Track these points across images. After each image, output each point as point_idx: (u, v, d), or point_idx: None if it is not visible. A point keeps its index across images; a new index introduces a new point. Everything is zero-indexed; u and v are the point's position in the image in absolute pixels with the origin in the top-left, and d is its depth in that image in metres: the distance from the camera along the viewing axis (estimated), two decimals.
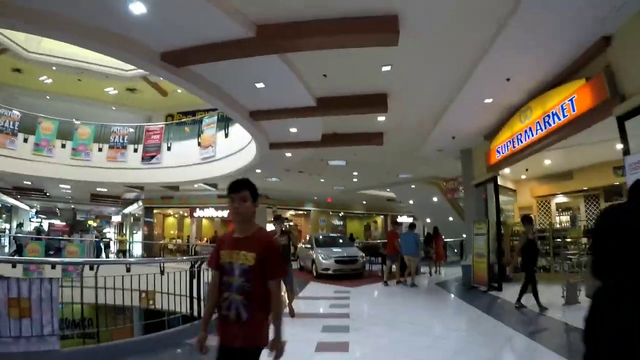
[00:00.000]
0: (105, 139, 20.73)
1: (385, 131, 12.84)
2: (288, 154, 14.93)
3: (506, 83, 9.17)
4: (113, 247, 25.61)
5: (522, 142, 10.38)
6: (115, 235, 37.84)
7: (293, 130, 12.09)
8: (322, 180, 22.01)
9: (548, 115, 9.03)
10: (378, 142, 13.14)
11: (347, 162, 16.93)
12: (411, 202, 29.34)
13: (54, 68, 22.31)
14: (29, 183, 23.40)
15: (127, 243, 22.43)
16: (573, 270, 12.52)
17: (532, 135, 9.81)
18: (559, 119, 8.63)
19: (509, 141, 11.03)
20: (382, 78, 9.18)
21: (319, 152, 15.04)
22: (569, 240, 13.84)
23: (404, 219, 39.89)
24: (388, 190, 27.74)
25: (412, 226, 15.39)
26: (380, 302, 11.52)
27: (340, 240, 19.30)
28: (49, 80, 23.96)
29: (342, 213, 36.23)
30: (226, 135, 18.53)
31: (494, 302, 10.57)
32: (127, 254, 21.23)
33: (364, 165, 18.21)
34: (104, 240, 24.62)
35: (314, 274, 16.50)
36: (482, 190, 13.98)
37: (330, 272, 15.85)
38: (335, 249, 17.14)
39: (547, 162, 14.85)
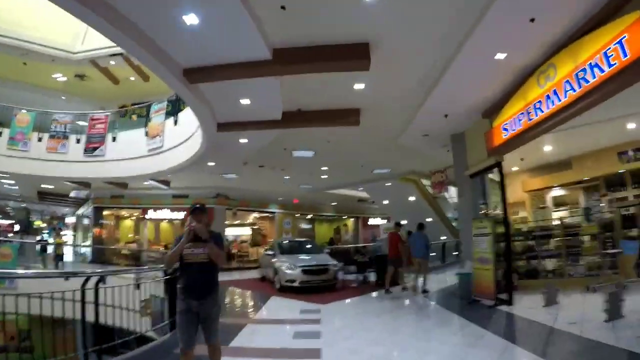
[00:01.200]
0: (45, 128, 18.63)
1: (362, 107, 10.26)
2: (243, 140, 12.12)
3: (529, 26, 6.69)
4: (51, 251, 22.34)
5: (542, 111, 7.90)
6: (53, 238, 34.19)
7: (245, 102, 9.30)
8: (286, 177, 19.30)
9: (583, 70, 6.63)
10: (353, 121, 10.46)
11: (315, 152, 14.32)
12: (386, 202, 26.91)
13: None
14: None
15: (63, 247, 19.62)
16: (591, 274, 10.36)
17: (559, 100, 7.33)
18: (602, 70, 6.27)
19: (523, 113, 8.55)
20: (364, 18, 6.61)
21: (281, 139, 12.41)
22: (582, 237, 11.35)
23: (376, 221, 37.95)
24: (360, 189, 25.19)
25: (421, 226, 13.48)
26: (361, 326, 8.56)
27: (308, 246, 16.55)
28: None
29: (310, 215, 33.40)
30: (175, 123, 15.83)
31: (515, 323, 8.06)
32: (62, 259, 18.54)
33: (335, 158, 15.70)
34: (40, 243, 21.98)
35: (277, 286, 13.83)
36: (478, 182, 11.54)
37: (296, 284, 13.19)
38: (302, 257, 14.50)
39: (547, 148, 12.55)
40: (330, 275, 13.76)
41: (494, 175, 11.21)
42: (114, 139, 18.40)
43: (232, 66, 7.51)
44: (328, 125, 10.88)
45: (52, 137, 18.40)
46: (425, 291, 12.45)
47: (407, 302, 11.66)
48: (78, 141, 18.46)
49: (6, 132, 18.00)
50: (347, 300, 11.85)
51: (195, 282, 4.62)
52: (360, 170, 17.95)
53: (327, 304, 11.09)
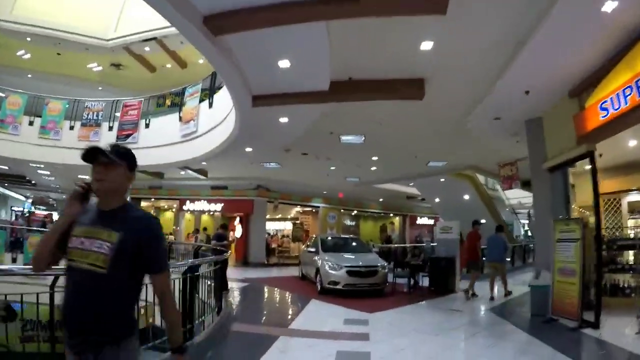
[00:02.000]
0: (78, 116, 18.07)
1: (427, 76, 8.48)
2: (283, 119, 10.53)
3: None
4: None
5: None
6: None
7: (284, 64, 7.61)
8: (332, 167, 17.76)
9: None
10: (416, 93, 8.66)
11: (365, 138, 12.62)
12: (437, 200, 25.09)
13: (28, 39, 21.41)
14: (6, 167, 21.40)
15: None
16: None
17: None
18: None
19: (631, 87, 6.72)
20: None
21: (327, 121, 10.85)
22: None
23: (424, 221, 36.07)
24: (411, 184, 23.40)
25: (499, 228, 12.88)
26: (421, 347, 6.99)
27: (354, 244, 14.90)
28: (28, 56, 23.26)
29: (355, 212, 31.82)
30: (210, 105, 14.51)
31: (613, 356, 6.32)
32: None
33: (387, 146, 14.01)
34: None
35: (318, 287, 12.38)
36: (559, 176, 9.70)
37: (339, 287, 11.70)
38: (347, 256, 12.98)
39: (632, 143, 10.56)
40: (380, 278, 12.17)
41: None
42: (147, 126, 17.45)
43: (264, 9, 5.88)
44: (385, 98, 9.13)
45: (84, 125, 17.80)
46: (508, 293, 11.87)
47: (469, 314, 10.00)
48: (110, 128, 17.70)
49: (38, 121, 17.66)
50: (399, 310, 10.20)
51: (72, 310, 2.21)
52: (414, 162, 16.21)
53: (375, 312, 9.55)
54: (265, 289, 14.30)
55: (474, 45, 7.32)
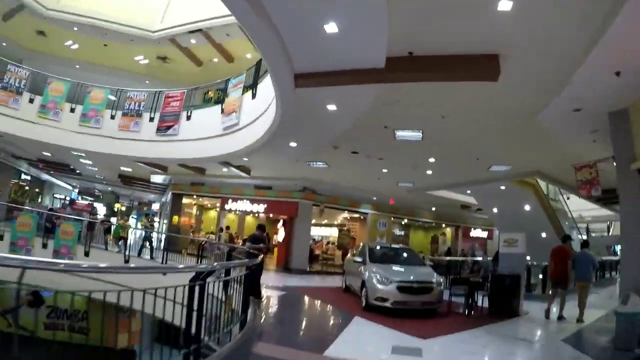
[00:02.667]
0: (120, 106, 17.98)
1: (502, 51, 6.86)
2: (331, 107, 9.08)
3: None
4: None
5: None
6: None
7: (331, 28, 6.12)
8: (384, 170, 16.29)
9: None
10: (489, 73, 7.04)
11: (423, 134, 11.07)
12: (495, 210, 23.12)
13: (75, 29, 22.05)
14: (48, 154, 21.65)
15: (128, 230, 18.20)
16: None
17: None
18: None
19: None
20: None
21: (380, 112, 9.47)
22: None
23: (477, 233, 34.03)
24: (468, 192, 21.60)
25: (585, 244, 11.62)
26: None
27: (406, 255, 13.23)
28: (75, 46, 23.92)
29: (405, 220, 30.17)
30: (253, 96, 13.37)
31: None
32: (125, 243, 17.01)
33: (448, 145, 12.43)
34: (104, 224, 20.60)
35: (363, 302, 10.89)
36: None
37: (388, 304, 10.16)
38: (397, 268, 11.45)
39: None
40: (434, 296, 10.58)
41: None
42: (188, 118, 16.85)
43: None
44: (453, 79, 7.54)
45: (125, 114, 17.55)
46: (562, 317, 10.37)
47: (540, 345, 8.40)
48: (152, 119, 17.30)
49: (79, 108, 17.52)
50: (457, 337, 8.58)
51: None
52: (475, 165, 14.47)
53: (429, 338, 8.06)
54: (303, 301, 13.01)
55: (560, 8, 5.76)
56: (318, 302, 12.54)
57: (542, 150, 12.56)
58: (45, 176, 32.25)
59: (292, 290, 14.18)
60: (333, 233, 29.00)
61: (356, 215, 27.67)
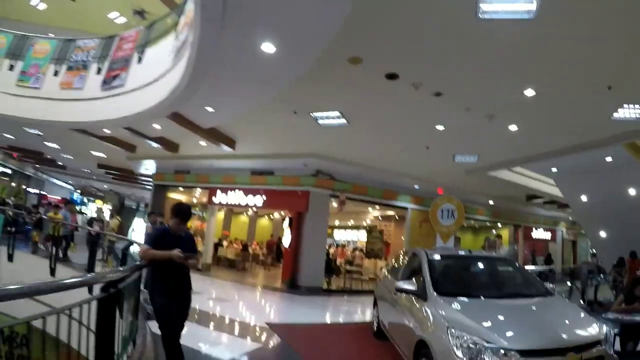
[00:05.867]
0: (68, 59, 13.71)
1: None
2: None
3: None
4: None
5: None
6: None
7: None
8: (439, 127, 9.90)
9: None
10: None
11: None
12: (583, 198, 16.29)
13: None
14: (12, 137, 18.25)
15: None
16: None
17: None
18: None
19: None
20: None
21: None
22: None
23: (539, 234, 27.40)
24: (554, 170, 14.89)
25: None
26: None
27: (503, 273, 6.33)
28: (43, 6, 21.45)
29: None
30: None
31: None
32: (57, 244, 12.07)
33: (562, 57, 6.21)
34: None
35: None
36: None
37: None
38: (499, 309, 4.88)
39: None
40: None
41: None
42: (139, 60, 11.71)
43: None
44: None
45: (69, 69, 13.22)
46: None
47: None
48: (99, 71, 12.53)
49: (19, 65, 13.83)
50: None
51: None
52: (595, 106, 8.02)
53: None
54: None
55: None
56: None
57: None
58: (35, 172, 29.42)
59: (283, 335, 7.93)
60: (361, 237, 23.22)
61: (390, 213, 21.33)
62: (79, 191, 37.66)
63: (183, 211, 4.94)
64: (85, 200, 38.56)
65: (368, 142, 11.77)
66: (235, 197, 16.50)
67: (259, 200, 15.94)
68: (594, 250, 20.01)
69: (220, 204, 17.37)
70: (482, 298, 5.07)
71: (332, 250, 19.44)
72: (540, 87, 7.41)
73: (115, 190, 37.59)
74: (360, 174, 15.20)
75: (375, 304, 8.15)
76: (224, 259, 20.67)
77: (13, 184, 30.49)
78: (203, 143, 13.33)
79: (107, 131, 13.83)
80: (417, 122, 9.75)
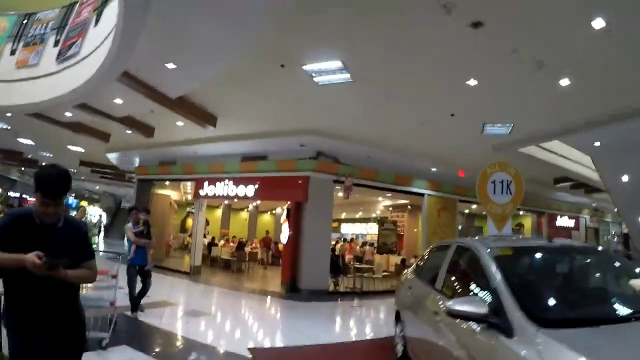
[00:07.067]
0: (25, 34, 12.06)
1: None
2: None
3: None
4: None
5: None
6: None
7: None
8: (471, 81, 7.52)
9: None
10: None
11: None
12: (624, 178, 13.86)
13: None
14: None
15: None
16: None
17: None
18: None
19: None
20: None
21: None
22: None
23: (564, 221, 25.02)
24: (596, 144, 12.40)
25: None
26: None
27: (615, 274, 3.87)
28: None
29: (474, 206, 20.74)
30: None
31: None
32: None
33: None
34: None
35: None
36: None
37: None
38: None
39: None
40: None
41: None
42: (96, 22, 9.49)
43: None
44: None
45: (26, 45, 11.52)
46: None
47: None
48: (57, 43, 10.68)
49: None
50: None
51: None
52: None
53: None
54: None
55: None
56: None
57: None
58: (21, 175, 28.22)
59: None
60: (370, 230, 21.04)
61: (402, 202, 19.03)
62: (73, 195, 36.12)
63: (47, 179, 2.68)
64: (81, 204, 37.01)
65: (378, 111, 9.46)
66: (224, 188, 14.27)
67: (250, 190, 13.70)
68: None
69: (207, 196, 15.08)
70: (613, 327, 2.74)
71: (338, 246, 17.18)
72: (612, 16, 5.14)
73: (110, 192, 36.73)
74: (369, 155, 12.89)
75: (397, 319, 5.87)
76: (219, 259, 18.54)
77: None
78: (180, 123, 11.22)
79: (68, 114, 11.83)
80: (445, 74, 7.38)
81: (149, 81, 8.48)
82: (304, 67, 7.12)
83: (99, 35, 8.60)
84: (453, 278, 4.15)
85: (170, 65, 7.47)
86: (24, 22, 11.97)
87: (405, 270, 6.99)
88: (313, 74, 7.32)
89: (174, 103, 9.52)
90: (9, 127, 15.36)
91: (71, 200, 35.21)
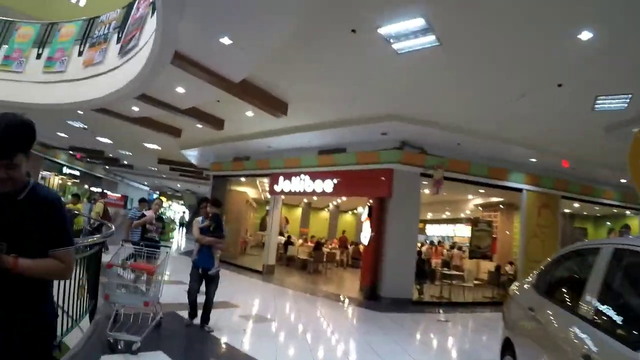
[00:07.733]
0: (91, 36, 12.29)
1: None
2: None
3: None
4: None
5: None
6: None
7: None
8: (585, 36, 5.77)
9: None
10: None
11: None
12: None
13: None
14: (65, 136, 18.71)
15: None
16: None
17: None
18: None
19: None
20: None
21: None
22: None
23: None
24: None
25: None
26: None
27: None
28: (83, 2, 18.76)
29: (576, 204, 18.28)
30: None
31: None
32: None
33: None
34: None
35: None
36: None
37: None
38: None
39: None
40: None
41: None
42: (152, 12, 8.91)
43: None
44: None
45: (92, 45, 11.75)
46: None
47: None
48: (119, 40, 10.83)
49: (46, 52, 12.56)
50: None
51: None
52: None
53: None
54: None
55: None
56: None
57: None
58: (106, 173, 30.82)
59: None
60: (458, 232, 20.01)
61: (495, 200, 17.18)
62: (157, 192, 38.14)
63: None
64: (160, 197, 38.51)
65: (469, 84, 7.89)
66: (301, 183, 13.39)
67: (328, 185, 12.68)
68: None
69: (282, 192, 14.25)
70: None
71: (424, 249, 15.70)
72: None
73: (192, 190, 38.11)
74: (459, 144, 11.37)
75: (507, 350, 4.38)
76: (296, 259, 17.78)
77: (86, 186, 31.82)
78: (249, 113, 10.46)
79: (135, 109, 11.60)
80: (551, 25, 5.67)
81: (205, 62, 7.60)
82: (380, 31, 5.84)
83: (154, 25, 8.02)
84: (616, 302, 2.69)
85: (225, 41, 6.50)
86: (89, 25, 12.17)
87: (516, 282, 5.48)
88: (391, 39, 6.04)
89: (238, 88, 8.64)
90: (86, 127, 15.48)
91: (155, 196, 36.54)
